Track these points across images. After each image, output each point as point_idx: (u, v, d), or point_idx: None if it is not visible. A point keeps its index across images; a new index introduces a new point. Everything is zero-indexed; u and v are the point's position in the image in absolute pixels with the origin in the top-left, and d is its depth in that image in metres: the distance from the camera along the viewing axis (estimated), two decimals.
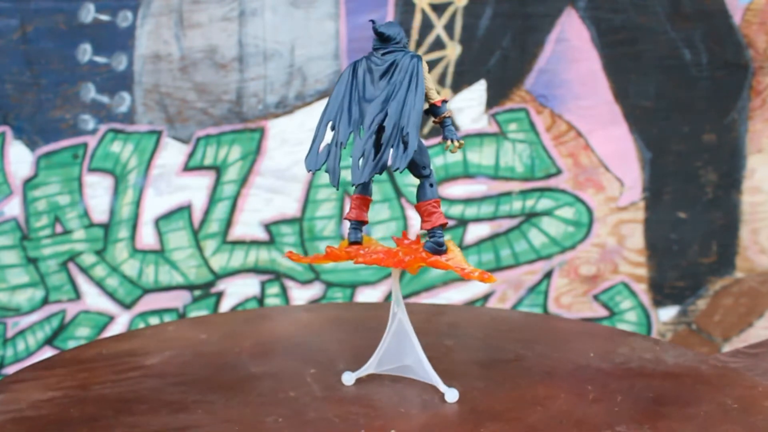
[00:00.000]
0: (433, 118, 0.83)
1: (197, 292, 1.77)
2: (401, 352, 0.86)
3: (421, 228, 0.84)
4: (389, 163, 0.77)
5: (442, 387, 0.83)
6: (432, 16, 1.73)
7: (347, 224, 0.84)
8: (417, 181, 0.83)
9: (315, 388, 0.85)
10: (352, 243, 0.83)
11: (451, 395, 0.82)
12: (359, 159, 0.77)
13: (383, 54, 0.80)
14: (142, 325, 1.76)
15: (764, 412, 0.81)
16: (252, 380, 0.87)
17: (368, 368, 0.86)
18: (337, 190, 0.82)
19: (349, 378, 0.85)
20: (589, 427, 0.77)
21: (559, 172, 1.79)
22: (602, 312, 1.84)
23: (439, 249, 0.82)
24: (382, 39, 0.80)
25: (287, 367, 0.91)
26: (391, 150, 0.76)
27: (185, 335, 1.05)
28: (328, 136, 0.81)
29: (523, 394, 0.85)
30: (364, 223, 0.83)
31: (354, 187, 0.82)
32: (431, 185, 0.82)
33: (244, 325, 1.13)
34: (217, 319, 1.18)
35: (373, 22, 0.80)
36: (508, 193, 1.79)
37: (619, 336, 1.10)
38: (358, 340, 1.02)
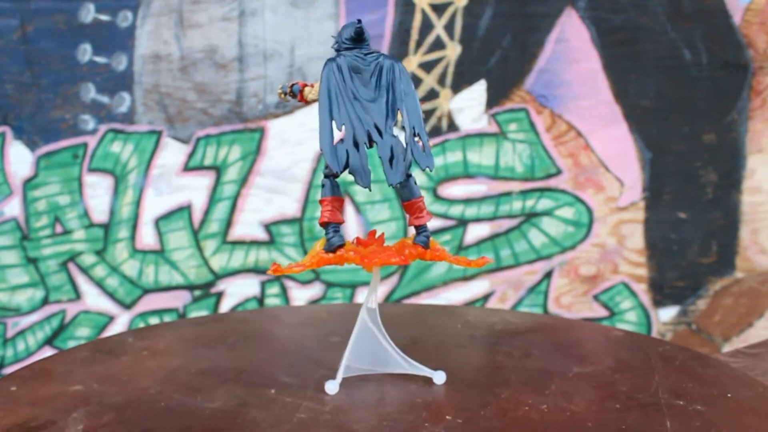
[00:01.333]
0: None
1: (197, 292, 1.77)
2: (368, 350, 0.87)
3: (412, 224, 0.85)
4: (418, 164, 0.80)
5: (428, 372, 0.87)
6: (432, 16, 1.73)
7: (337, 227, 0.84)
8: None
9: (313, 405, 0.81)
10: (338, 246, 0.82)
11: (440, 377, 0.87)
12: (390, 159, 0.79)
13: (366, 54, 0.82)
14: (141, 325, 1.76)
15: (623, 339, 1.06)
16: (233, 415, 0.79)
17: (342, 373, 0.85)
18: (370, 190, 0.82)
19: (333, 386, 0.83)
20: (560, 373, 0.91)
21: (559, 172, 1.79)
22: (602, 312, 1.84)
23: (429, 243, 0.85)
24: (361, 39, 0.82)
25: (243, 394, 0.84)
26: (413, 150, 0.80)
27: (54, 390, 0.86)
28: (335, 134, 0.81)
29: (478, 363, 0.94)
30: (341, 224, 0.84)
31: (321, 187, 0.83)
32: (415, 183, 0.84)
33: (106, 363, 0.95)
34: (57, 364, 0.96)
35: (359, 21, 0.82)
36: (508, 193, 1.79)
37: (453, 310, 1.28)
38: (240, 353, 0.98)
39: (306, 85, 0.86)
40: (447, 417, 0.78)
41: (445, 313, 1.23)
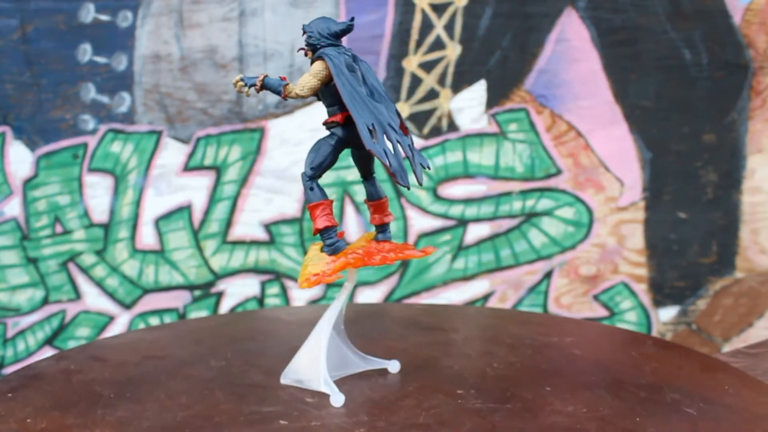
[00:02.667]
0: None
1: (197, 293, 1.77)
2: (337, 355, 0.85)
3: (381, 222, 0.85)
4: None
5: (384, 363, 0.89)
6: (432, 16, 1.73)
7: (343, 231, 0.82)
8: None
9: (347, 419, 0.77)
10: (342, 250, 0.81)
11: (395, 366, 0.89)
12: (413, 159, 0.78)
13: (351, 54, 0.80)
14: (142, 326, 1.76)
15: (445, 310, 1.23)
16: None
17: (331, 380, 0.82)
18: (408, 189, 0.81)
19: (340, 399, 0.80)
20: (462, 340, 1.04)
21: (559, 172, 1.79)
22: (602, 312, 1.84)
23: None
24: (342, 37, 0.80)
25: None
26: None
27: None
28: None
29: (390, 348, 0.98)
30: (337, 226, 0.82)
31: (310, 191, 0.79)
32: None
33: None
34: None
35: (352, 19, 0.79)
36: (508, 193, 1.79)
37: (272, 313, 1.31)
38: (156, 405, 0.83)
39: (286, 79, 0.80)
40: (458, 391, 0.83)
41: (270, 316, 1.23)
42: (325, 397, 0.81)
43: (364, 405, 0.80)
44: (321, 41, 0.79)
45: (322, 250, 0.81)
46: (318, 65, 0.79)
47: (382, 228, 0.85)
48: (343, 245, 0.81)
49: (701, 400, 0.82)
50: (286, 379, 0.85)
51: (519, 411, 0.79)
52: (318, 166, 0.79)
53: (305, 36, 0.79)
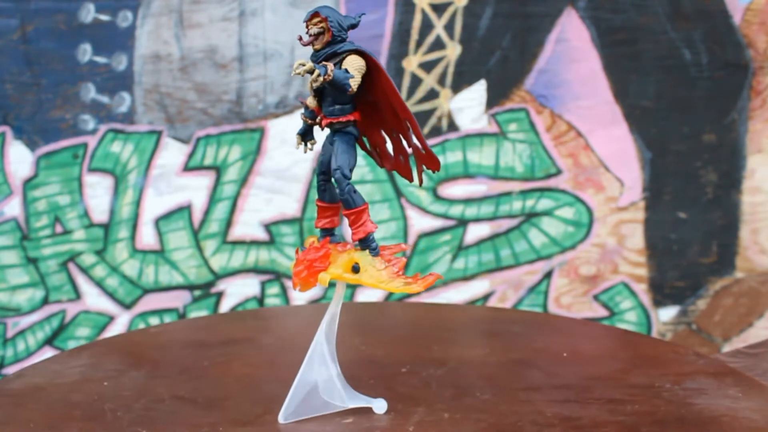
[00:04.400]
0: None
1: (197, 293, 1.77)
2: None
3: (334, 225, 0.82)
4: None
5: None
6: (432, 16, 1.73)
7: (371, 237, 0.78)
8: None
9: (423, 418, 0.74)
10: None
11: (327, 372, 0.86)
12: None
13: None
14: (142, 326, 1.76)
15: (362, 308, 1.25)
16: None
17: (348, 388, 0.79)
18: (420, 185, 0.80)
19: (382, 405, 0.77)
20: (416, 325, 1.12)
21: (559, 172, 1.79)
22: (602, 312, 1.84)
23: None
24: None
25: None
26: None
27: None
28: None
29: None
30: None
31: (354, 194, 0.76)
32: None
33: None
34: None
35: (361, 15, 0.77)
36: (508, 193, 1.79)
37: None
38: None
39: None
40: (417, 371, 0.86)
41: (194, 325, 1.23)
42: (354, 412, 0.76)
43: (394, 403, 0.78)
44: (342, 34, 0.74)
45: (370, 254, 0.76)
46: (359, 60, 0.72)
47: (332, 231, 0.81)
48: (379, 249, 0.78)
49: None
50: (288, 416, 0.77)
51: (474, 364, 0.90)
52: (352, 168, 0.75)
53: (321, 22, 0.72)
